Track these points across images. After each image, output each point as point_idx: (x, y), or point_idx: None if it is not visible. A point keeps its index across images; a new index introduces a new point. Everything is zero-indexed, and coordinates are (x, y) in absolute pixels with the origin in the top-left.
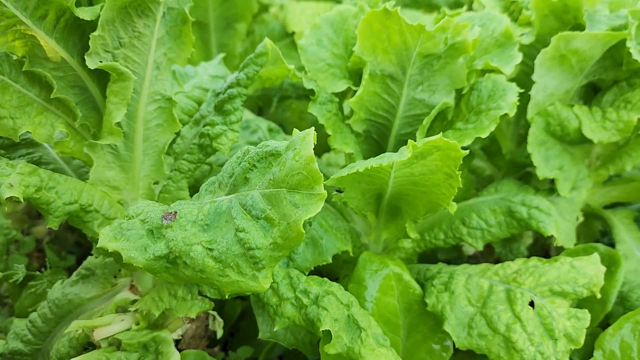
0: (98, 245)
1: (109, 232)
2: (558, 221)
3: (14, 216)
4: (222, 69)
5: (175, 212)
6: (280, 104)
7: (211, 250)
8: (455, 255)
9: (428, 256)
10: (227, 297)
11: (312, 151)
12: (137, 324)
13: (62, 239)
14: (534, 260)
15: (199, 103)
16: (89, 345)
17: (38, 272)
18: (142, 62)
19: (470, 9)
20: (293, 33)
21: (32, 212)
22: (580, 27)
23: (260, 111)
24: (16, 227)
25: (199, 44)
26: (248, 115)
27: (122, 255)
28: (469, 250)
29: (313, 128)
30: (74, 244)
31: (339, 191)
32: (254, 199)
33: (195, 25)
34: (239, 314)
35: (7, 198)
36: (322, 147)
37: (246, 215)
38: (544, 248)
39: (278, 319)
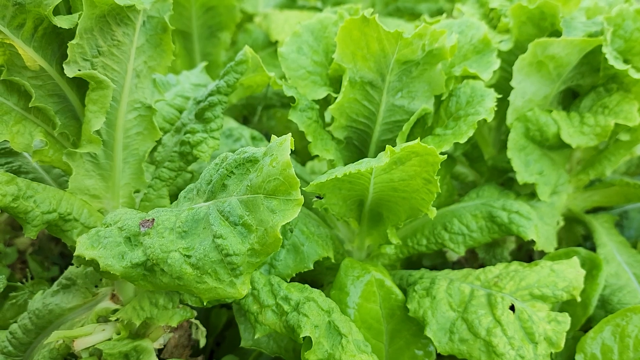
0: (75, 254)
1: (86, 240)
2: (538, 225)
3: None
4: (204, 77)
5: (153, 219)
6: (265, 113)
7: (189, 257)
8: (440, 262)
9: (413, 263)
10: (205, 304)
11: (289, 157)
12: (118, 333)
13: (46, 249)
14: (515, 265)
15: (181, 111)
16: (69, 356)
17: (20, 283)
18: (121, 70)
19: (451, 17)
20: (276, 42)
21: (15, 223)
22: (557, 33)
23: (245, 120)
24: None
25: (183, 53)
26: (232, 123)
27: (99, 263)
28: (453, 256)
29: (290, 134)
30: (58, 254)
31: (319, 197)
32: (231, 205)
33: (178, 34)
34: (225, 323)
35: None
36: (307, 155)
37: (224, 222)
38: (527, 253)
39: (259, 326)
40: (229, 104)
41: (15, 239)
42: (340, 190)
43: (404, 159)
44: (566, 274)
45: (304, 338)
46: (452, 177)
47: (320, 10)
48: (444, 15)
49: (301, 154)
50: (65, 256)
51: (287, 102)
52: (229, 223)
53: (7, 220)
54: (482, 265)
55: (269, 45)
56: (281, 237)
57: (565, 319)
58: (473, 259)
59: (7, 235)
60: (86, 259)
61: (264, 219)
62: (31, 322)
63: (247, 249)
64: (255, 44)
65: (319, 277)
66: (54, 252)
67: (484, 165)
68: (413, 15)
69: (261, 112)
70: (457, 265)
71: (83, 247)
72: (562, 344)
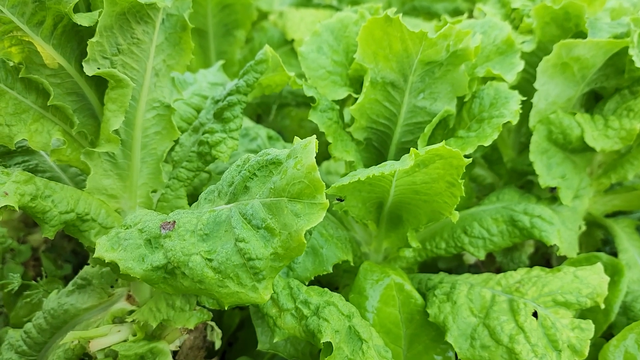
0: (95, 256)
1: (106, 242)
2: (561, 230)
3: (9, 224)
4: (221, 76)
5: (174, 222)
6: (279, 112)
7: (210, 260)
8: (456, 264)
9: (429, 265)
10: (226, 308)
11: (314, 160)
12: (134, 335)
13: (59, 247)
14: (537, 270)
15: (198, 110)
16: (84, 357)
17: (34, 282)
18: (140, 69)
19: (470, 16)
20: (292, 40)
21: (28, 220)
22: (581, 34)
23: (259, 119)
24: (12, 235)
25: (198, 51)
26: (247, 122)
27: (119, 265)
28: (470, 259)
29: (314, 136)
30: (70, 252)
31: (340, 200)
32: (254, 208)
33: (194, 32)
34: (238, 324)
35: (2, 207)
36: (322, 155)
37: (246, 225)
38: (545, 257)
39: (278, 330)
40: None
41: (29, 236)
42: (360, 192)
43: (427, 161)
44: (590, 281)
45: (324, 343)
46: (470, 179)
47: (336, 8)
48: (465, 15)
49: (317, 154)
50: (78, 254)
51: (302, 101)
52: (251, 226)
53: (21, 218)
54: (500, 269)
55: (285, 44)
56: (305, 241)
57: (589, 327)
58: (490, 263)
59: (20, 232)
60: (106, 261)
61: (287, 222)
62: (46, 321)
63: (270, 253)
64: (270, 42)
65: (335, 279)
66: (66, 250)
67: (503, 168)
68: (429, 15)
69: (276, 111)
70: (474, 268)
71: (103, 249)
72: (586, 352)
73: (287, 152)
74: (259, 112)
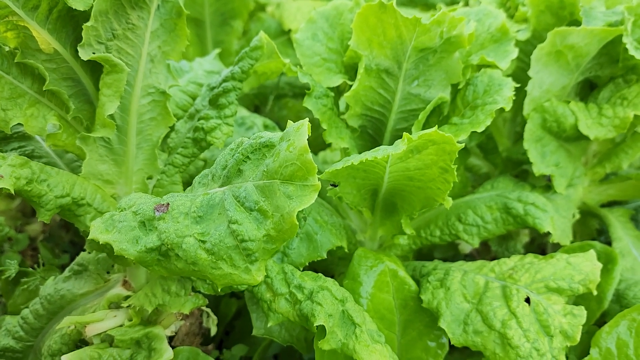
0: (89, 237)
1: (100, 224)
2: (554, 218)
3: (7, 214)
4: (217, 64)
5: (168, 204)
6: (276, 103)
7: (204, 242)
8: (451, 254)
9: (425, 255)
10: (219, 290)
11: (306, 142)
12: (130, 320)
13: (57, 237)
14: (530, 257)
15: (194, 98)
16: (81, 342)
17: (31, 269)
18: (135, 54)
19: (467, 5)
20: (289, 31)
21: (26, 209)
22: (576, 23)
23: (256, 110)
24: (9, 224)
25: (195, 41)
26: (244, 112)
27: (113, 247)
28: (465, 248)
29: (307, 119)
30: (68, 242)
31: (334, 185)
32: (247, 190)
33: (191, 21)
34: (234, 313)
35: None
36: (318, 145)
37: (239, 207)
38: (540, 247)
39: (272, 314)
40: (241, 93)
41: (26, 225)
42: (354, 178)
43: (420, 147)
44: (582, 267)
45: (317, 327)
46: (466, 169)
47: None
48: (461, 4)
49: (313, 145)
50: (76, 244)
51: (299, 92)
52: (244, 209)
53: (19, 207)
54: (495, 258)
55: (282, 34)
56: (297, 223)
57: (581, 313)
58: (485, 252)
59: (18, 221)
60: (100, 243)
61: (280, 204)
62: (43, 307)
63: (262, 235)
64: (267, 32)
65: (330, 267)
66: (64, 240)
67: (498, 157)
68: (426, 6)
69: (273, 102)
70: (469, 257)
71: (97, 231)
72: (578, 338)
73: (280, 135)
74: (256, 103)
